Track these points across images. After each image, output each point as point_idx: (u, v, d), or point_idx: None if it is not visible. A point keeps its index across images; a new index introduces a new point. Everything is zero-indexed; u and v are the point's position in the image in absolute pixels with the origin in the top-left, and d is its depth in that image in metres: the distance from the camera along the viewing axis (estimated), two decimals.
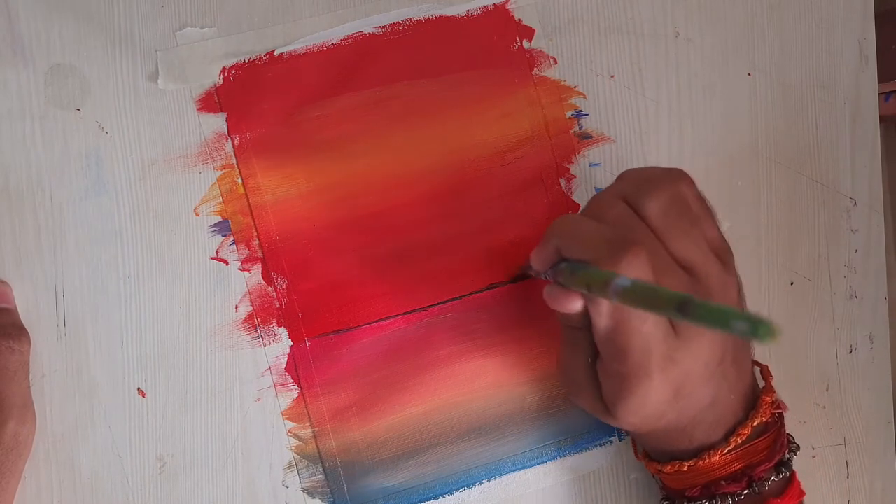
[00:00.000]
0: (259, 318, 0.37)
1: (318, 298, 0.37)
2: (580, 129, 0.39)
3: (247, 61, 0.37)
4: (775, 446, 0.34)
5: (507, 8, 0.39)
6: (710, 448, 0.33)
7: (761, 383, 0.35)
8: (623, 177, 0.34)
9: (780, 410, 0.35)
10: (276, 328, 0.37)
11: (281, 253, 0.37)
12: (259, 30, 0.37)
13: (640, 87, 0.40)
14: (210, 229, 0.36)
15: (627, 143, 0.40)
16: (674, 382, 0.30)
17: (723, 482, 0.33)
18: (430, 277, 0.38)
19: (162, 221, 0.36)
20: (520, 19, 0.39)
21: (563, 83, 0.39)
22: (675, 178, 0.32)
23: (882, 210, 0.42)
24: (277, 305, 0.37)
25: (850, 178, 0.42)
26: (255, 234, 0.37)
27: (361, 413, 0.37)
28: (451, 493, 0.38)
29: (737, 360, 0.33)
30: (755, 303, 0.41)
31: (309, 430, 0.37)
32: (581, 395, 0.34)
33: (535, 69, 0.39)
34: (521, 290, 0.38)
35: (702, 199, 0.33)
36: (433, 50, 0.38)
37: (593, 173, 0.39)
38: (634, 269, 0.28)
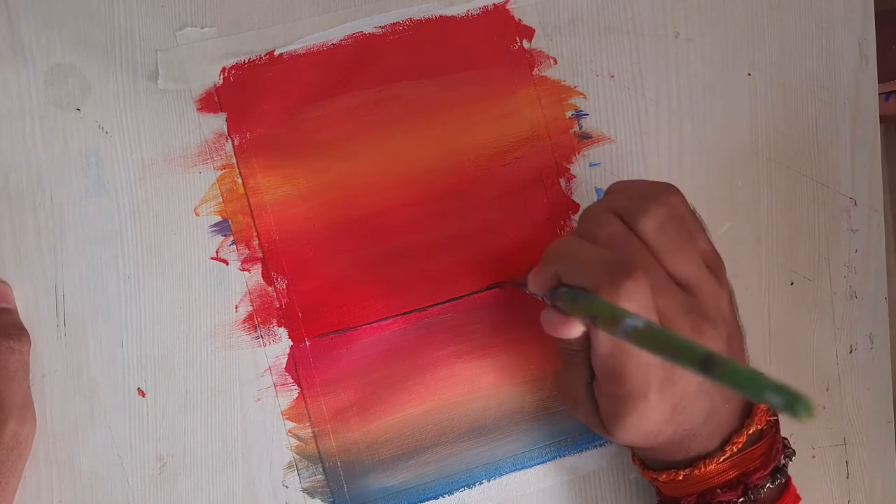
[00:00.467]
0: (259, 318, 0.37)
1: (318, 298, 0.37)
2: (580, 129, 0.39)
3: (247, 61, 0.37)
4: (770, 453, 0.34)
5: (507, 8, 0.39)
6: (706, 457, 0.33)
7: None
8: (614, 190, 0.34)
9: (774, 417, 0.35)
10: (276, 328, 0.37)
11: (281, 253, 0.37)
12: (259, 30, 0.37)
13: (640, 87, 0.40)
14: (210, 229, 0.36)
15: (627, 143, 0.40)
16: (671, 403, 0.31)
17: (718, 490, 0.33)
18: (430, 277, 0.38)
19: (162, 221, 0.36)
20: (520, 19, 0.39)
21: (563, 83, 0.39)
22: (669, 193, 0.32)
23: (882, 210, 0.42)
24: (277, 305, 0.37)
25: (850, 178, 0.42)
26: (255, 234, 0.37)
27: (361, 413, 0.37)
28: (451, 493, 0.38)
29: None
30: (755, 303, 0.41)
31: (309, 430, 0.37)
32: (579, 412, 0.34)
33: (535, 69, 0.39)
34: (521, 290, 0.38)
35: (693, 213, 0.33)
36: (433, 50, 0.38)
37: (593, 173, 0.39)
38: (635, 297, 0.28)
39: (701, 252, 0.32)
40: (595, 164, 0.39)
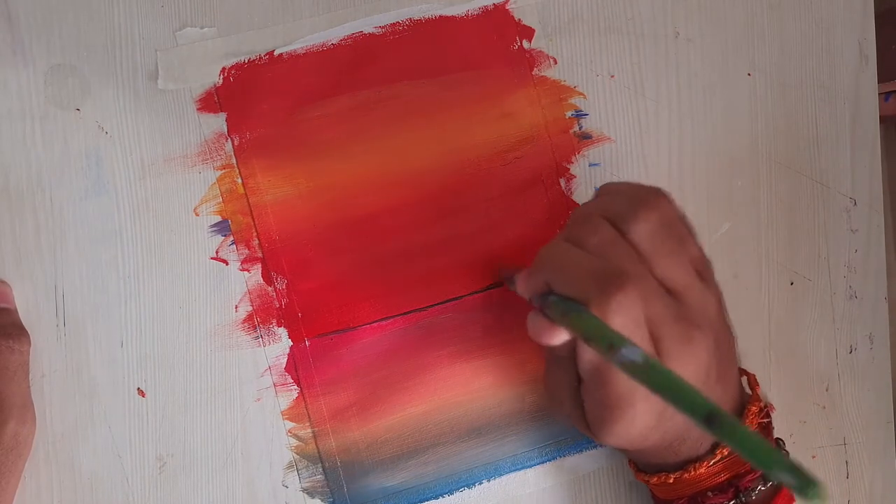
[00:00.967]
0: (259, 318, 0.37)
1: (318, 298, 0.37)
2: (580, 129, 0.39)
3: (247, 61, 0.37)
4: None
5: (507, 8, 0.39)
6: (696, 460, 0.33)
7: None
8: (605, 192, 0.33)
9: (766, 420, 0.35)
10: (275, 328, 0.37)
11: (281, 253, 0.37)
12: (259, 30, 0.37)
13: (640, 87, 0.40)
14: (210, 229, 0.36)
15: (627, 143, 0.40)
16: (658, 409, 0.30)
17: (709, 493, 0.33)
18: (430, 277, 0.38)
19: (162, 221, 0.36)
20: (520, 19, 0.39)
21: (563, 83, 0.39)
22: (660, 198, 0.32)
23: (882, 210, 0.42)
24: (277, 305, 0.37)
25: (850, 178, 0.42)
26: (254, 234, 0.37)
27: (361, 413, 0.37)
28: (451, 493, 0.38)
29: (721, 376, 0.32)
30: (755, 303, 0.41)
31: (309, 430, 0.37)
32: (566, 415, 0.34)
33: (535, 69, 0.39)
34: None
35: (683, 218, 0.33)
36: (433, 50, 0.38)
37: (593, 173, 0.39)
38: (625, 310, 0.28)
39: (691, 257, 0.32)
40: (595, 164, 0.39)
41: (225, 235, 0.37)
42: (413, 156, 0.38)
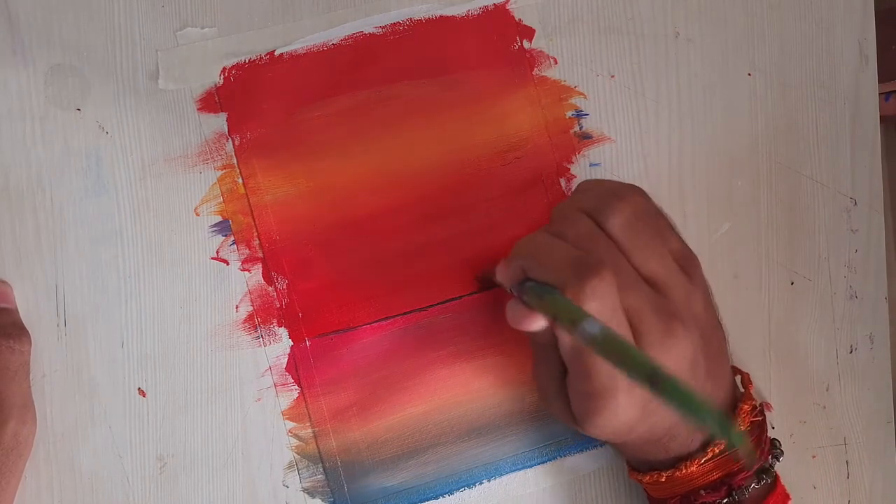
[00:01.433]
0: (259, 318, 0.37)
1: (318, 298, 0.37)
2: (580, 129, 0.39)
3: (247, 61, 0.37)
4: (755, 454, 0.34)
5: (507, 8, 0.39)
6: (688, 458, 0.33)
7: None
8: (583, 189, 0.34)
9: (759, 418, 0.35)
10: (276, 328, 0.37)
11: (281, 253, 0.37)
12: (259, 30, 0.37)
13: (640, 87, 0.40)
14: (210, 229, 0.36)
15: (627, 143, 0.40)
16: (640, 401, 0.30)
17: (702, 492, 0.33)
18: (431, 277, 0.38)
19: (162, 221, 0.36)
20: (520, 19, 0.39)
21: (563, 83, 0.39)
22: (636, 192, 0.32)
23: (882, 210, 0.42)
24: (278, 305, 0.37)
25: (850, 178, 0.42)
26: (255, 234, 0.37)
27: (361, 413, 0.37)
28: (451, 493, 0.38)
29: (712, 373, 0.32)
30: (755, 303, 0.41)
31: (309, 430, 0.37)
32: (552, 406, 0.34)
33: (535, 69, 0.39)
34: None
35: (661, 212, 0.33)
36: (433, 50, 0.38)
37: (593, 173, 0.39)
38: (601, 295, 0.28)
39: (671, 250, 0.32)
40: (595, 164, 0.39)
41: (225, 235, 0.37)
42: (413, 156, 0.38)
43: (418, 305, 0.38)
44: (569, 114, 0.39)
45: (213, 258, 0.36)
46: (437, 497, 0.38)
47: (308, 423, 0.37)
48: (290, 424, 0.37)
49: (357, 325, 0.37)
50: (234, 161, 0.37)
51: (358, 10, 0.37)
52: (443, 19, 0.38)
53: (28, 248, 0.35)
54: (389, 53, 0.38)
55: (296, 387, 0.37)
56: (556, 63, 0.39)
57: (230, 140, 0.37)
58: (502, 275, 0.33)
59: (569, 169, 0.39)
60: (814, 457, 0.41)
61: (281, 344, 0.37)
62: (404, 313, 0.38)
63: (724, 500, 0.33)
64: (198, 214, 0.36)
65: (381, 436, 0.37)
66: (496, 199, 0.38)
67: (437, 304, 0.38)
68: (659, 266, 0.31)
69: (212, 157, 0.36)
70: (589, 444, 0.39)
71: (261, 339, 0.37)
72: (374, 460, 0.37)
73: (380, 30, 0.38)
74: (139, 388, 0.36)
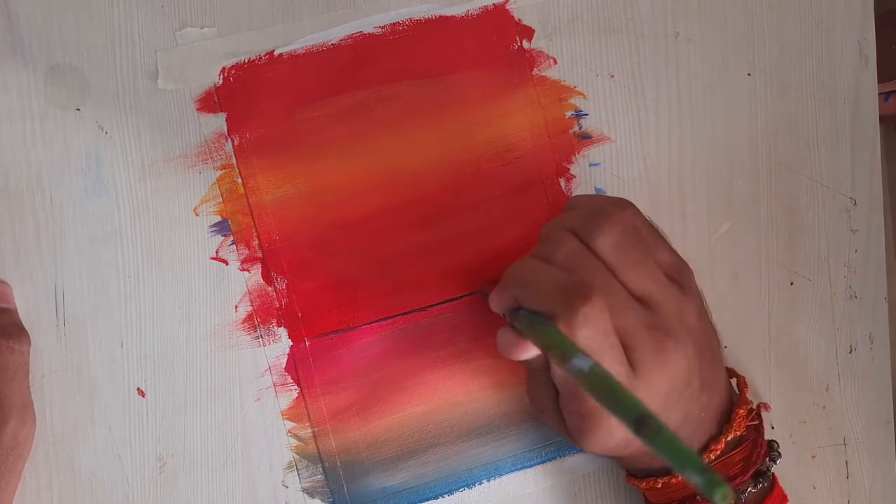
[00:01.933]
0: (259, 318, 0.37)
1: (317, 298, 0.37)
2: (580, 129, 0.39)
3: (247, 61, 0.37)
4: (751, 458, 0.34)
5: (507, 8, 0.39)
6: None
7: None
8: (570, 207, 0.33)
9: (755, 423, 0.34)
10: (275, 328, 0.37)
11: (281, 253, 0.37)
12: (259, 30, 0.37)
13: (640, 87, 0.40)
14: (210, 229, 0.36)
15: (627, 143, 0.40)
16: None
17: (698, 497, 0.33)
18: (430, 277, 0.38)
19: (162, 221, 0.36)
20: (520, 19, 0.39)
21: (563, 83, 0.39)
22: (622, 208, 0.32)
23: (882, 210, 0.42)
24: (277, 305, 0.37)
25: (850, 178, 0.42)
26: (254, 234, 0.37)
27: (361, 413, 0.37)
28: (451, 493, 0.38)
29: (705, 382, 0.32)
30: (755, 303, 0.41)
31: (309, 430, 0.37)
32: (549, 422, 0.34)
33: (535, 69, 0.39)
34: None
35: (650, 225, 0.33)
36: (433, 50, 0.38)
37: (593, 173, 0.39)
38: (591, 322, 0.28)
39: (661, 264, 0.32)
40: (595, 164, 0.39)
41: (225, 235, 0.37)
42: (413, 156, 0.38)
43: (418, 305, 0.38)
44: (568, 114, 0.39)
45: (212, 258, 0.36)
46: (436, 497, 0.38)
47: (307, 424, 0.37)
48: (290, 424, 0.37)
49: (356, 325, 0.37)
50: (234, 161, 0.37)
51: (358, 10, 0.37)
52: (442, 19, 0.38)
53: (28, 248, 0.35)
54: (389, 53, 0.38)
55: (295, 387, 0.37)
56: (555, 63, 0.39)
57: (229, 140, 0.37)
58: (495, 304, 0.33)
59: (568, 169, 0.39)
60: (813, 457, 0.41)
61: (280, 344, 0.37)
62: (404, 313, 0.38)
63: None
64: (197, 214, 0.36)
65: (380, 436, 0.37)
66: (496, 199, 0.38)
67: (437, 304, 0.38)
68: (649, 283, 0.31)
69: (211, 158, 0.36)
70: None
71: (260, 339, 0.37)
72: (374, 460, 0.37)
73: (379, 30, 0.38)
74: (138, 388, 0.36)
